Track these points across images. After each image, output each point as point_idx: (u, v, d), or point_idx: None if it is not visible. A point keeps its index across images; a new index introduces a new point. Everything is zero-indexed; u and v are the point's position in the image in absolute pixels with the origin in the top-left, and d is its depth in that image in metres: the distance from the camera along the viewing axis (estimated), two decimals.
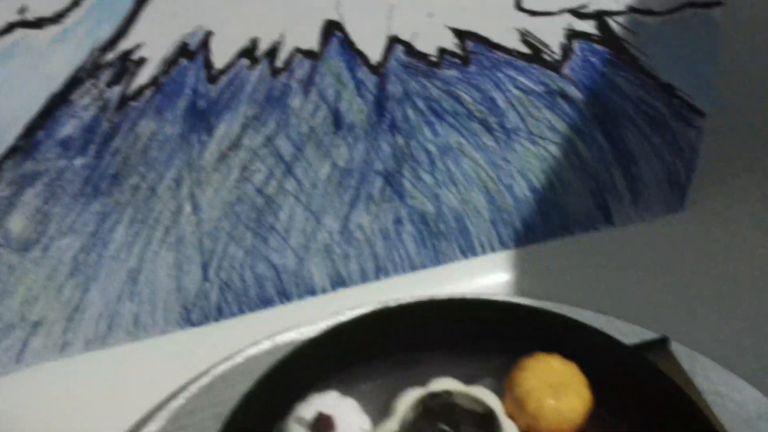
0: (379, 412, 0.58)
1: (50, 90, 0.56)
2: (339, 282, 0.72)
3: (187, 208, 0.64)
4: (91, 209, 0.61)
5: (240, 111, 0.61)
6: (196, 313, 0.69)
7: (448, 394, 0.56)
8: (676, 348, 0.64)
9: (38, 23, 0.54)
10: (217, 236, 0.66)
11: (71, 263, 0.63)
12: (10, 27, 0.53)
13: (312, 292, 0.72)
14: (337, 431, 0.55)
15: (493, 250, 0.76)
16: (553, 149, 0.72)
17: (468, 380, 0.59)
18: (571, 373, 0.58)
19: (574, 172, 0.74)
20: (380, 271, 0.73)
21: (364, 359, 0.61)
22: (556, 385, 0.57)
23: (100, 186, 0.60)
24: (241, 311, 0.71)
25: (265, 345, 0.67)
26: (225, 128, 0.62)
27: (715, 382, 0.63)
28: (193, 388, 0.64)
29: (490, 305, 0.63)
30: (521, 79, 0.67)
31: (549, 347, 0.60)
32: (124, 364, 0.68)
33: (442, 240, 0.74)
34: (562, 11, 0.64)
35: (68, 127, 0.58)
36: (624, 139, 0.73)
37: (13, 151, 0.57)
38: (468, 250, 0.75)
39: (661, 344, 0.64)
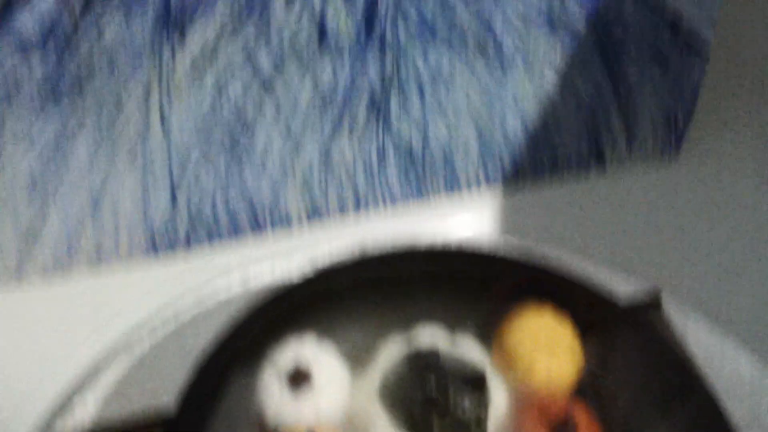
0: (358, 358, 0.54)
1: None
2: (316, 213, 0.68)
3: (156, 125, 0.58)
4: (49, 117, 0.56)
5: (216, 16, 0.56)
6: (162, 242, 0.64)
7: (435, 354, 0.51)
8: (669, 303, 0.60)
9: None
10: (188, 159, 0.61)
11: (28, 180, 0.57)
12: None
13: (287, 222, 0.67)
14: (314, 381, 0.50)
15: (479, 186, 0.71)
16: (550, 82, 0.67)
17: (452, 327, 0.54)
18: (564, 330, 0.54)
19: (570, 108, 0.69)
20: (360, 203, 0.69)
21: (342, 301, 0.56)
22: (548, 342, 0.52)
23: (60, 92, 0.55)
24: (211, 241, 0.66)
25: (236, 277, 0.62)
26: (199, 35, 0.56)
27: (707, 343, 0.59)
28: (159, 333, 0.59)
29: (474, 255, 0.58)
30: (522, 2, 0.62)
31: (537, 296, 0.55)
32: (84, 294, 0.63)
33: (427, 173, 0.69)
34: None
35: (24, 21, 0.52)
36: (624, 74, 0.69)
37: None
38: (453, 185, 0.70)
39: (653, 299, 0.60)
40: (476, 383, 0.51)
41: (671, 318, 0.60)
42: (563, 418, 0.50)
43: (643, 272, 0.63)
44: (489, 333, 0.55)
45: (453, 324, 0.55)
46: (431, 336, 0.53)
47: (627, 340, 0.55)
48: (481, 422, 0.50)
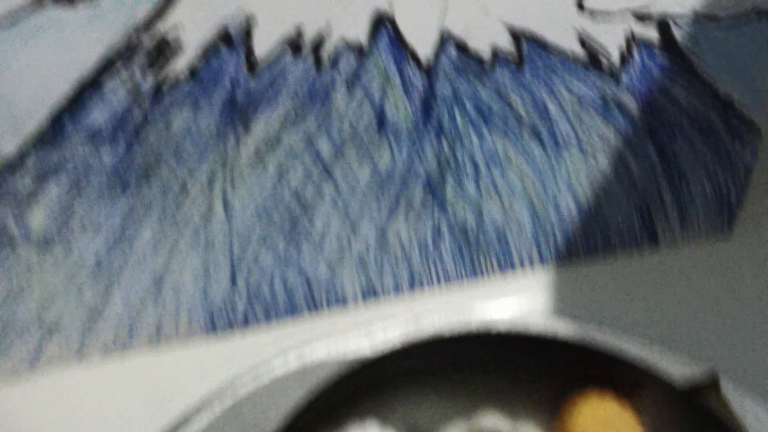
0: None
1: (80, 74, 0.52)
2: (371, 292, 0.68)
3: (219, 208, 0.60)
4: (117, 206, 0.57)
5: (280, 105, 0.57)
6: (221, 320, 0.65)
7: None
8: (727, 386, 0.60)
9: (71, 0, 0.50)
10: (249, 241, 0.62)
11: (93, 263, 0.59)
12: (40, 3, 0.49)
13: (343, 301, 0.68)
14: None
15: (532, 265, 0.72)
16: (602, 160, 0.68)
17: (513, 413, 0.54)
18: (626, 416, 0.54)
19: (622, 186, 0.70)
20: (414, 283, 0.69)
21: (402, 386, 0.57)
22: (613, 429, 0.52)
23: (128, 180, 0.56)
24: (269, 320, 0.67)
25: (293, 357, 0.63)
26: (263, 123, 0.58)
27: (766, 426, 0.59)
28: (217, 409, 0.60)
29: (532, 339, 0.58)
30: (576, 83, 0.63)
31: (595, 381, 0.56)
32: (144, 372, 0.64)
33: (480, 252, 0.69)
34: (623, 11, 0.60)
35: (97, 114, 0.54)
36: (676, 153, 0.69)
37: (37, 139, 0.53)
38: (507, 264, 0.71)
39: (710, 381, 0.60)
40: None
41: (729, 400, 0.59)
42: None
43: (699, 353, 0.63)
44: (550, 419, 0.55)
45: (514, 409, 0.55)
46: (493, 422, 0.53)
47: (686, 425, 0.55)
48: None
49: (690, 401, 0.55)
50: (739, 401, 0.59)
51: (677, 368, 0.60)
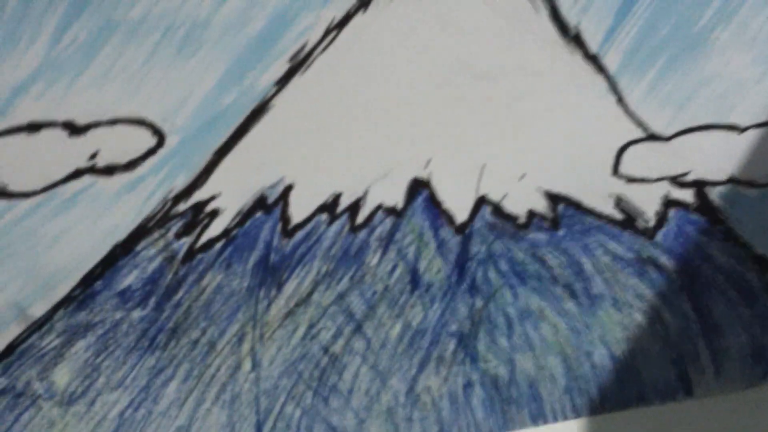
0: None
1: (114, 240, 0.52)
2: None
3: (247, 365, 0.59)
4: (144, 364, 0.56)
5: (313, 267, 0.57)
6: None
7: None
8: None
9: (109, 170, 0.49)
10: (276, 395, 0.61)
11: (117, 419, 0.58)
12: (78, 173, 0.49)
13: None
14: None
15: (565, 417, 0.70)
16: (638, 317, 0.67)
17: None
18: None
19: (657, 342, 0.69)
20: None
21: None
22: None
23: (156, 340, 0.56)
24: None
25: None
26: (295, 284, 0.57)
27: None
28: None
29: None
30: (611, 245, 0.62)
31: None
32: None
33: (512, 405, 0.68)
34: (661, 179, 0.60)
35: (129, 278, 0.53)
36: (711, 309, 0.68)
37: (68, 300, 0.53)
38: (539, 416, 0.69)
39: None
40: None
41: None
42: None
43: None
44: None
45: None
46: None
47: None
48: None
49: None
50: None
51: None
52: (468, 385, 0.66)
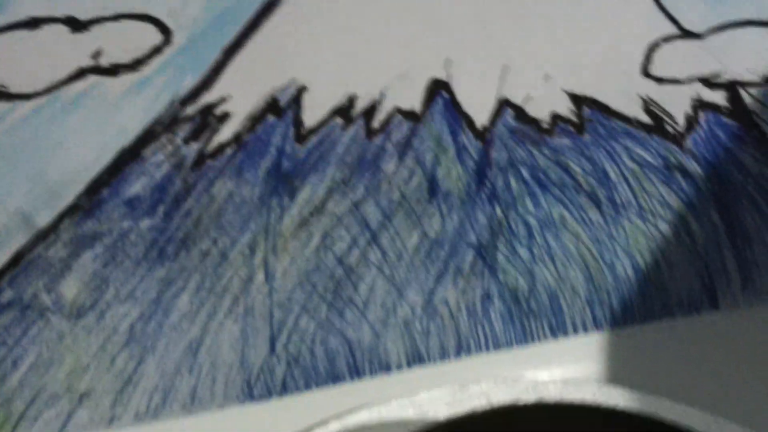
0: None
1: (121, 144, 0.50)
2: (416, 359, 0.65)
3: (260, 276, 0.57)
4: (154, 275, 0.54)
5: (328, 174, 0.54)
6: (258, 387, 0.62)
7: None
8: None
9: (113, 70, 0.47)
10: (290, 307, 0.59)
11: (127, 332, 0.56)
12: (82, 72, 0.47)
13: (387, 368, 0.65)
14: None
15: (586, 330, 0.69)
16: (664, 227, 0.64)
17: None
18: None
19: (683, 252, 0.67)
20: (462, 349, 0.66)
21: None
22: None
23: (166, 250, 0.54)
24: (308, 387, 0.64)
25: (333, 426, 0.60)
26: (309, 192, 0.55)
27: None
28: None
29: (587, 411, 0.55)
30: (638, 150, 0.60)
31: None
32: None
33: (531, 318, 0.66)
34: (691, 79, 0.57)
35: (137, 185, 0.51)
36: (741, 219, 0.66)
37: (74, 209, 0.51)
38: (559, 329, 0.68)
39: None
40: None
41: None
42: None
43: (762, 422, 0.60)
44: None
45: None
46: None
47: None
48: None
49: None
50: None
51: None
52: (486, 297, 0.64)
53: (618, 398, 0.58)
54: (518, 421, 0.55)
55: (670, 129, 0.60)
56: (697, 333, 0.73)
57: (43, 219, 0.50)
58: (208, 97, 0.49)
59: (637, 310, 0.70)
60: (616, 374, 0.70)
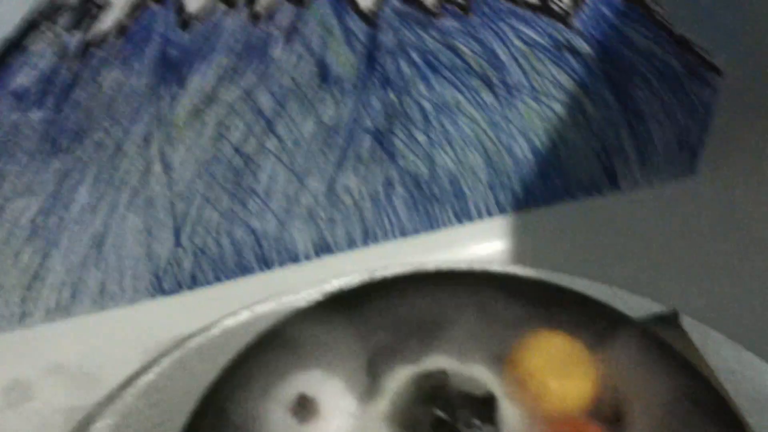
0: (366, 384, 0.53)
1: (2, 35, 0.50)
2: (324, 248, 0.67)
3: (157, 167, 0.58)
4: (50, 167, 0.55)
5: (215, 61, 0.55)
6: (168, 280, 0.63)
7: (443, 374, 0.51)
8: (687, 322, 0.59)
9: None
10: (191, 198, 0.60)
11: (29, 227, 0.57)
12: None
13: (295, 259, 0.67)
14: (321, 414, 0.49)
15: (489, 214, 0.70)
16: (558, 108, 0.66)
17: (463, 358, 0.53)
18: (577, 352, 0.53)
19: (580, 133, 0.68)
20: (368, 237, 0.68)
21: (347, 334, 0.55)
22: (561, 366, 0.51)
23: (59, 142, 0.54)
24: (218, 279, 0.65)
25: (244, 315, 0.61)
26: (199, 80, 0.56)
27: (728, 360, 0.58)
28: (165, 362, 0.59)
29: (485, 276, 0.57)
30: (526, 30, 0.61)
31: (551, 322, 0.54)
32: (89, 335, 0.63)
33: (435, 204, 0.68)
34: None
35: (23, 76, 0.51)
36: (634, 97, 0.68)
37: None
38: (463, 214, 0.69)
39: (670, 319, 0.59)
40: (485, 401, 0.50)
41: (690, 335, 0.59)
42: None
43: (660, 293, 0.62)
44: (501, 357, 0.54)
45: (463, 348, 0.54)
46: (440, 363, 0.52)
47: (643, 358, 0.54)
48: None
49: (647, 336, 0.54)
50: (700, 337, 0.58)
51: (638, 308, 0.59)
52: (388, 184, 0.66)
53: (513, 270, 0.60)
54: (416, 292, 0.56)
55: (555, 7, 0.61)
56: (599, 213, 0.75)
57: None
58: None
59: (539, 192, 0.72)
60: (521, 256, 0.71)
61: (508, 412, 0.51)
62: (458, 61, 0.61)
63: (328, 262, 0.69)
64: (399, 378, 0.52)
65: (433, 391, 0.51)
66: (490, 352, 0.55)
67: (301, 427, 0.49)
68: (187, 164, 0.59)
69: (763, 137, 0.74)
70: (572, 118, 0.68)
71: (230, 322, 0.61)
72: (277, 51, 0.56)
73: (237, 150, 0.59)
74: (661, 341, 0.54)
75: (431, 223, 0.70)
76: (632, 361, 0.54)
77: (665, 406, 0.53)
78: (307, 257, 0.67)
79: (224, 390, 0.51)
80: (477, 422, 0.48)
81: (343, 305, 0.56)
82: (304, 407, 0.49)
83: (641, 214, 0.74)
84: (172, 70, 0.54)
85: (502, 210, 0.71)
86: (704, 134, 0.72)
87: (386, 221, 0.68)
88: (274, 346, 0.54)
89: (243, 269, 0.66)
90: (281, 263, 0.67)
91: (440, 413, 0.49)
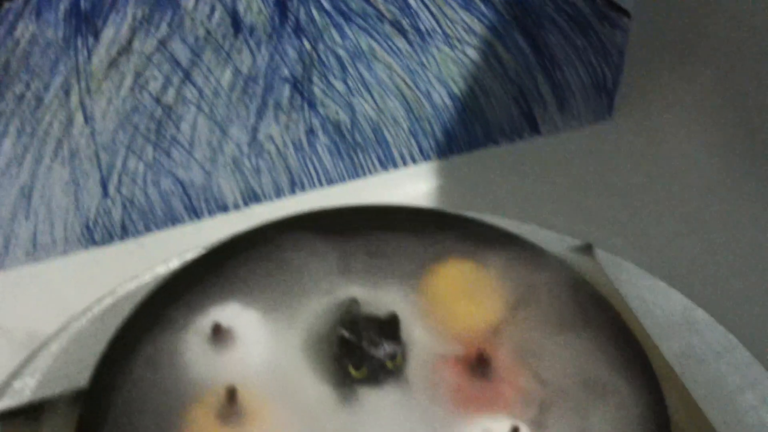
0: (281, 313, 0.55)
1: None
2: (252, 197, 0.69)
3: (79, 118, 0.60)
4: None
5: (128, 12, 0.57)
6: (98, 231, 0.66)
7: (354, 302, 0.53)
8: (601, 255, 0.61)
9: None
10: (115, 149, 0.63)
11: None
12: None
13: (224, 208, 0.69)
14: (237, 344, 0.51)
15: (414, 161, 0.73)
16: (472, 53, 0.68)
17: (377, 287, 0.56)
18: (485, 279, 0.55)
19: (496, 78, 0.71)
20: (295, 185, 0.70)
21: (265, 269, 0.57)
22: (467, 291, 0.54)
23: None
24: (148, 229, 0.67)
25: (174, 263, 0.63)
26: (113, 31, 0.58)
27: (639, 287, 0.60)
28: (96, 309, 0.61)
29: (399, 211, 0.59)
30: None
31: (464, 253, 0.57)
32: (23, 286, 0.65)
33: (359, 151, 0.70)
34: None
35: None
36: (546, 42, 0.70)
37: None
38: (387, 161, 0.72)
39: (585, 251, 0.61)
40: (389, 322, 0.53)
41: (603, 266, 0.61)
42: (483, 358, 0.51)
43: (578, 231, 0.64)
44: (413, 285, 0.56)
45: (377, 279, 0.56)
46: (354, 290, 0.54)
47: (552, 285, 0.56)
48: (395, 359, 0.52)
49: (559, 265, 0.56)
50: (613, 268, 0.60)
51: (554, 242, 0.61)
52: (311, 132, 0.68)
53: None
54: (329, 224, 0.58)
55: None
56: (521, 157, 0.78)
57: None
58: None
59: (462, 138, 0.74)
60: (446, 200, 0.74)
61: (414, 332, 0.53)
62: (368, 8, 0.63)
63: (257, 210, 0.71)
64: (314, 308, 0.55)
65: (343, 317, 0.53)
66: (402, 281, 0.57)
67: (217, 356, 0.51)
68: (108, 115, 0.61)
69: (675, 77, 0.77)
70: (487, 64, 0.70)
71: (161, 269, 0.63)
72: (190, 2, 0.58)
73: (157, 101, 0.62)
74: (572, 270, 0.56)
75: (356, 171, 0.72)
76: (542, 288, 0.57)
77: (569, 329, 0.55)
78: (236, 206, 0.70)
79: (138, 324, 0.52)
80: (381, 341, 0.51)
81: (261, 241, 0.58)
82: (220, 336, 0.51)
83: (561, 157, 0.77)
84: (86, 22, 0.56)
85: (426, 157, 0.73)
86: (618, 77, 0.75)
87: (312, 169, 0.70)
88: (189, 280, 0.56)
89: (173, 219, 0.68)
90: (210, 213, 0.69)
91: (345, 333, 0.52)
